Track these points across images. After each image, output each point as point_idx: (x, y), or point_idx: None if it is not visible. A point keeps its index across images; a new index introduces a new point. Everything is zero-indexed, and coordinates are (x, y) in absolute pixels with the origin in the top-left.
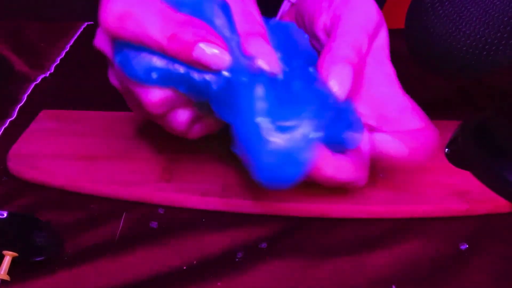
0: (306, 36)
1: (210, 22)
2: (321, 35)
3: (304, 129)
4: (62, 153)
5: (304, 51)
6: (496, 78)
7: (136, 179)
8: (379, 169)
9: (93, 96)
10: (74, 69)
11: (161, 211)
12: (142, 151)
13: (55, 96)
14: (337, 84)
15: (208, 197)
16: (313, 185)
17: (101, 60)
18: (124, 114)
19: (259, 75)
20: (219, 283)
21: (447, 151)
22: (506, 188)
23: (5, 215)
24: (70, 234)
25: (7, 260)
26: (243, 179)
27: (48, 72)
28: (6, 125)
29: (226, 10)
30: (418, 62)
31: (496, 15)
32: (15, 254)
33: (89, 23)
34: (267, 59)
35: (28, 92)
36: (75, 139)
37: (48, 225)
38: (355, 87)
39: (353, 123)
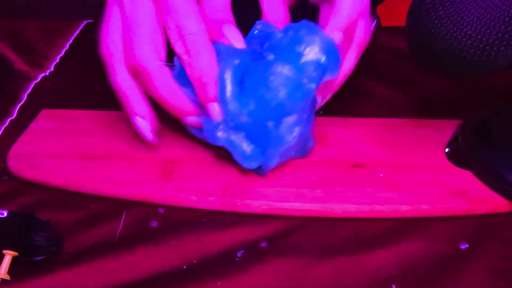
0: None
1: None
2: None
3: None
4: (62, 153)
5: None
6: (496, 78)
7: (136, 179)
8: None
9: (93, 95)
10: (74, 67)
11: (161, 210)
12: (142, 150)
13: (55, 95)
14: None
15: (208, 196)
16: (313, 186)
17: (101, 59)
18: (124, 114)
19: None
20: (219, 282)
21: (448, 150)
22: (506, 188)
23: (5, 214)
24: (70, 233)
25: (7, 260)
26: (243, 179)
27: (48, 71)
28: (6, 124)
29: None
30: (419, 62)
31: (497, 16)
32: (15, 253)
33: (88, 21)
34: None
35: (28, 91)
36: (75, 139)
37: (48, 225)
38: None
39: None
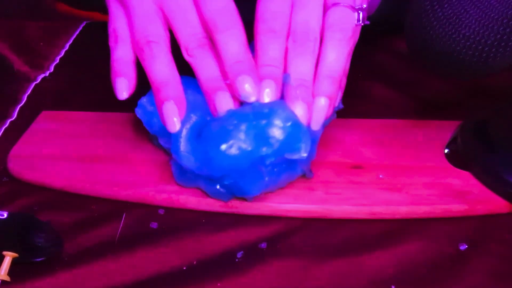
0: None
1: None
2: None
3: None
4: (62, 154)
5: None
6: (496, 79)
7: (136, 180)
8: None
9: (93, 96)
10: (74, 68)
11: (161, 211)
12: (143, 152)
13: (55, 96)
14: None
15: (208, 198)
16: (313, 187)
17: (101, 60)
18: (124, 115)
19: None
20: (219, 284)
21: (447, 151)
22: (506, 189)
23: (5, 215)
24: (70, 234)
25: (7, 261)
26: None
27: (48, 72)
28: (7, 125)
29: None
30: (418, 63)
31: (495, 17)
32: (15, 254)
33: (88, 21)
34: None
35: (28, 92)
36: (75, 140)
37: (48, 226)
38: None
39: None
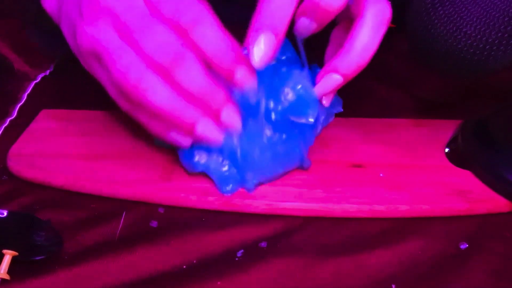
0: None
1: None
2: None
3: None
4: (62, 153)
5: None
6: (496, 78)
7: (136, 179)
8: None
9: (93, 95)
10: (74, 67)
11: (161, 210)
12: (142, 150)
13: (56, 95)
14: None
15: (208, 196)
16: (313, 186)
17: None
18: (124, 113)
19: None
20: (219, 282)
21: (447, 150)
22: (506, 187)
23: (5, 214)
24: (70, 233)
25: (7, 259)
26: None
27: (48, 71)
28: (6, 124)
29: None
30: (419, 62)
31: (496, 15)
32: (15, 253)
33: None
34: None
35: (29, 91)
36: (75, 139)
37: (48, 224)
38: None
39: None
